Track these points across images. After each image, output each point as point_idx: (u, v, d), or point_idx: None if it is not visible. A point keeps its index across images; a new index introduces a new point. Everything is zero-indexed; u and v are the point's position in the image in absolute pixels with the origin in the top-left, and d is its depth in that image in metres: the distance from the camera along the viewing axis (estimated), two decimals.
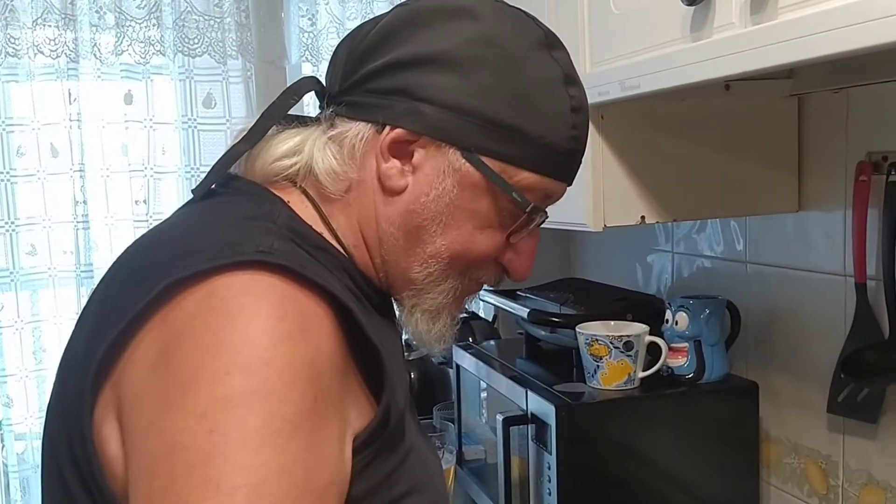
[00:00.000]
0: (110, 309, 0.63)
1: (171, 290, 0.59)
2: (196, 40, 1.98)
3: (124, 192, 1.96)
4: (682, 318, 1.29)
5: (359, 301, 0.70)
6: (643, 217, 1.16)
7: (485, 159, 0.71)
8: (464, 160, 0.71)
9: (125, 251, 0.71)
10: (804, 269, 1.25)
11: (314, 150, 0.73)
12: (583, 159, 0.78)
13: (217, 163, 0.74)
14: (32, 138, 1.91)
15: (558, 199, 0.78)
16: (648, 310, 1.38)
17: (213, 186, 0.75)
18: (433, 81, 0.70)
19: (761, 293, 1.35)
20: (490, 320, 1.98)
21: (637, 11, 1.00)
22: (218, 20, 1.99)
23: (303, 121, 0.76)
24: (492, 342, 1.81)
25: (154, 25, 1.95)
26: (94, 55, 1.92)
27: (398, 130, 0.71)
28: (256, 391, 0.56)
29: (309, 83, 0.77)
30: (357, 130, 0.72)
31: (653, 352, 1.31)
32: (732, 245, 1.41)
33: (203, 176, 0.76)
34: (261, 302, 0.59)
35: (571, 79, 0.75)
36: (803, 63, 0.75)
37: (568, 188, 0.79)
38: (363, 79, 0.73)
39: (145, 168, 1.96)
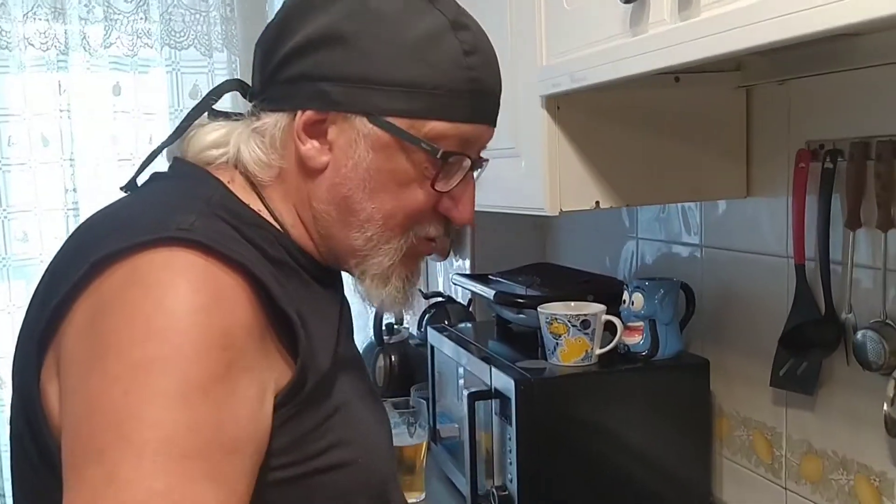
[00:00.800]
0: (56, 281, 0.70)
1: (102, 265, 0.66)
2: (182, 33, 2.05)
3: (113, 181, 2.03)
4: (638, 298, 1.36)
5: (289, 273, 0.76)
6: (597, 202, 1.23)
7: (390, 119, 0.76)
8: (371, 125, 0.76)
9: (73, 231, 0.78)
10: (752, 251, 1.32)
11: (239, 142, 0.79)
12: (494, 97, 0.81)
13: (144, 160, 0.83)
14: (24, 128, 1.98)
15: (485, 142, 0.82)
16: (609, 292, 1.45)
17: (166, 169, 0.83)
18: (326, 60, 0.76)
19: (715, 275, 1.42)
20: (465, 304, 2.05)
21: (585, 8, 1.06)
22: (204, 14, 2.06)
23: (228, 116, 0.83)
24: (468, 324, 1.88)
25: (141, 19, 2.02)
26: (84, 48, 1.99)
27: (308, 113, 0.77)
28: (168, 356, 0.62)
29: (231, 84, 0.86)
30: (275, 120, 0.78)
31: (611, 330, 1.38)
32: (690, 231, 1.48)
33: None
34: (177, 276, 0.65)
35: (459, 24, 0.78)
36: (723, 56, 0.81)
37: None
38: (273, 72, 0.79)
39: (133, 157, 2.03)
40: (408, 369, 2.07)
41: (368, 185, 0.78)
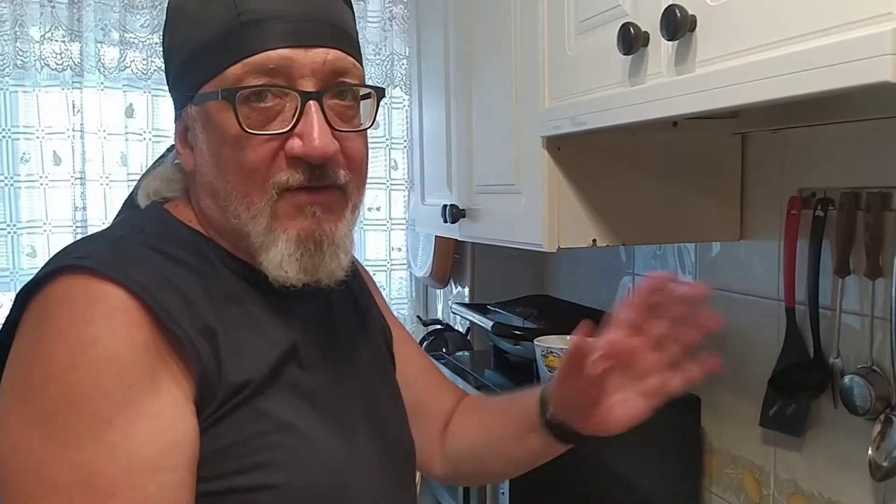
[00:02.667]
0: None
1: (24, 296, 0.72)
2: None
3: (122, 201, 2.05)
4: None
5: (225, 285, 0.79)
6: (594, 240, 1.26)
7: (202, 92, 0.77)
8: (194, 107, 0.79)
9: None
10: (744, 293, 1.36)
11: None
12: (275, 21, 0.75)
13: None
14: (36, 146, 2.02)
15: (301, 67, 0.76)
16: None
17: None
18: (167, 71, 0.83)
19: None
20: (464, 332, 2.08)
21: (587, 55, 1.10)
22: None
23: None
24: (465, 353, 1.91)
25: (156, 43, 2.06)
26: (98, 69, 2.03)
27: (177, 124, 0.83)
28: (70, 396, 0.66)
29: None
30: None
31: None
32: (685, 269, 1.52)
33: None
34: (74, 308, 0.69)
35: None
36: (715, 111, 0.85)
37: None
38: None
39: None
40: None
41: (213, 161, 0.78)
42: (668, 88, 0.90)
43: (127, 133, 2.07)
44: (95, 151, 2.05)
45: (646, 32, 0.94)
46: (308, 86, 0.76)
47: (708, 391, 1.43)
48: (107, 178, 2.06)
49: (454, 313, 2.00)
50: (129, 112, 2.08)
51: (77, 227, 2.04)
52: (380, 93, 0.84)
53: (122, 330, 0.69)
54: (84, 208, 2.04)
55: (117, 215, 0.92)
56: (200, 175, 0.80)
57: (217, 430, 0.73)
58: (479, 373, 1.62)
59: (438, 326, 2.07)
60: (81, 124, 2.04)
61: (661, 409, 1.41)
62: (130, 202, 0.90)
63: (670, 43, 0.89)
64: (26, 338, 0.70)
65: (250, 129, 0.75)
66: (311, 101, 0.76)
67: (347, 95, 0.79)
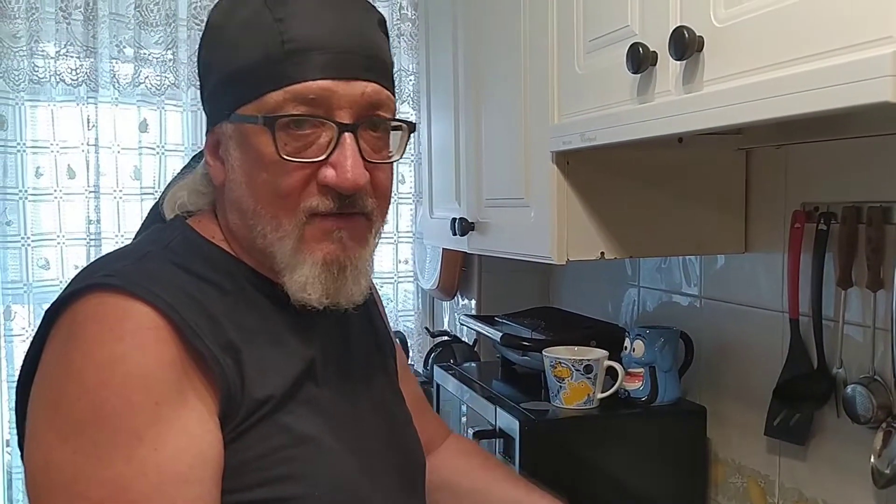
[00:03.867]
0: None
1: (53, 313, 0.74)
2: None
3: (135, 214, 2.09)
4: (639, 345, 1.42)
5: (247, 301, 0.80)
6: (602, 253, 1.29)
7: (239, 112, 0.79)
8: (229, 125, 0.80)
9: None
10: (749, 304, 1.38)
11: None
12: (315, 51, 0.77)
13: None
14: (51, 160, 2.05)
15: (341, 99, 0.78)
16: (610, 337, 1.51)
17: None
18: (203, 86, 0.85)
19: (713, 325, 1.48)
20: (471, 344, 2.11)
21: (597, 73, 1.14)
22: None
23: None
24: (473, 364, 1.93)
25: (170, 59, 2.10)
26: (113, 85, 2.07)
27: (207, 137, 0.85)
28: (101, 412, 0.69)
29: None
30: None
31: (612, 375, 1.43)
32: (690, 282, 1.55)
33: None
34: (103, 326, 0.71)
35: (273, 1, 0.79)
36: (721, 129, 0.88)
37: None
38: None
39: (156, 192, 2.09)
40: None
41: (245, 180, 0.80)
42: (675, 106, 0.93)
43: (140, 147, 2.11)
44: (109, 165, 2.09)
45: (654, 52, 0.97)
46: (345, 117, 0.78)
47: (714, 401, 1.46)
48: (120, 191, 2.10)
49: (462, 325, 2.03)
50: (143, 127, 2.11)
51: (91, 240, 2.07)
52: (411, 127, 0.86)
53: (150, 347, 0.71)
54: (98, 221, 2.08)
55: (142, 226, 0.94)
56: (230, 191, 0.83)
57: (240, 444, 0.75)
58: (486, 383, 1.65)
59: (446, 338, 2.10)
60: (96, 139, 2.07)
61: (667, 419, 1.45)
62: (156, 212, 0.92)
63: (678, 63, 0.92)
64: (55, 354, 0.73)
65: (287, 156, 0.77)
66: (347, 133, 0.78)
67: (380, 127, 0.82)
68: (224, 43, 0.81)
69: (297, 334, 0.83)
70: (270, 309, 0.83)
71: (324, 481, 0.79)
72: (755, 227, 1.36)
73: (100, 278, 0.74)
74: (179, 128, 2.12)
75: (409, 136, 0.86)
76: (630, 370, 1.43)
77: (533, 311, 1.81)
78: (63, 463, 0.68)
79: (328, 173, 0.78)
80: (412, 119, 2.28)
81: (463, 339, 2.16)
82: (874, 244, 1.11)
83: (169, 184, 0.94)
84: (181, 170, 0.95)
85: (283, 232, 0.79)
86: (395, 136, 0.85)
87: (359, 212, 0.81)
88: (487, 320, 1.77)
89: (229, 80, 0.80)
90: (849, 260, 1.15)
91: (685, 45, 0.88)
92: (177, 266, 0.79)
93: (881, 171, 1.13)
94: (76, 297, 0.73)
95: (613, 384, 1.42)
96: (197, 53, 0.87)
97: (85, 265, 0.82)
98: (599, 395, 1.42)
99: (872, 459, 1.10)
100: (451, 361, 1.97)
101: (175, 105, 2.13)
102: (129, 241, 2.11)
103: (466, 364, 1.91)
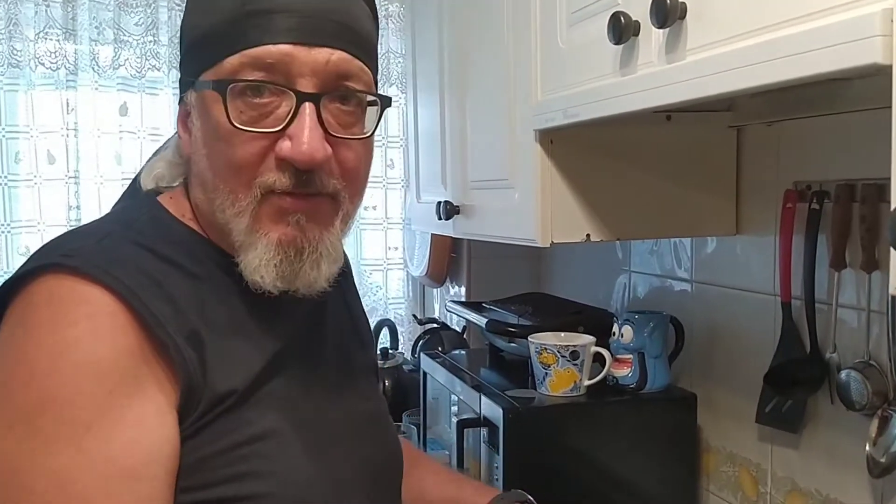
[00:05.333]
0: None
1: (7, 291, 0.70)
2: None
3: (116, 199, 2.05)
4: (628, 331, 1.38)
5: (217, 287, 0.76)
6: (588, 235, 1.25)
7: (201, 79, 0.75)
8: (193, 93, 0.77)
9: None
10: (740, 288, 1.34)
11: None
12: (276, 12, 0.73)
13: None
14: (31, 145, 2.01)
15: (302, 65, 0.73)
16: (599, 323, 1.47)
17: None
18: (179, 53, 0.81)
19: (704, 310, 1.43)
20: (459, 331, 2.07)
21: (579, 47, 1.09)
22: None
23: None
24: (461, 352, 1.89)
25: (151, 42, 2.05)
26: (93, 68, 2.03)
27: (179, 107, 0.81)
28: (49, 399, 0.64)
29: None
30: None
31: (600, 362, 1.39)
32: (681, 265, 1.50)
33: None
34: (58, 310, 0.67)
35: None
36: (706, 99, 0.84)
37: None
38: None
39: None
40: (401, 394, 2.08)
41: (205, 152, 0.76)
42: (659, 77, 0.88)
43: (121, 132, 2.07)
44: (90, 150, 2.05)
45: (636, 21, 0.93)
46: (307, 86, 0.73)
47: (704, 388, 1.42)
48: (101, 177, 2.06)
49: (449, 311, 1.99)
50: (124, 111, 2.07)
51: (71, 226, 2.03)
52: (385, 101, 0.80)
53: (106, 333, 0.67)
54: (78, 207, 2.04)
55: (117, 202, 0.89)
56: (194, 164, 0.79)
57: (198, 440, 0.71)
58: (475, 371, 1.61)
59: (434, 325, 2.06)
60: (76, 123, 2.03)
61: (657, 406, 1.41)
62: (134, 185, 0.87)
63: (661, 31, 0.87)
64: (7, 338, 0.69)
65: (241, 124, 0.72)
66: (307, 103, 0.72)
67: (351, 100, 0.76)
68: (195, 9, 0.78)
69: (265, 322, 0.79)
70: (238, 294, 0.77)
71: (289, 478, 0.75)
72: (746, 207, 1.32)
73: (57, 258, 0.69)
74: (161, 111, 2.08)
75: (381, 112, 0.80)
76: (618, 356, 1.39)
77: (522, 297, 1.76)
78: (7, 452, 0.64)
79: (284, 145, 0.72)
80: (395, 99, 2.23)
81: (452, 326, 2.12)
82: (868, 223, 1.06)
83: (149, 157, 0.90)
84: (166, 141, 0.91)
85: (238, 208, 0.74)
86: (371, 113, 0.80)
87: (320, 192, 0.75)
88: (475, 307, 1.73)
89: (194, 45, 0.77)
90: (842, 240, 1.11)
91: (667, 11, 0.84)
92: (141, 247, 0.74)
93: (875, 147, 1.07)
94: (31, 278, 0.69)
95: (601, 371, 1.38)
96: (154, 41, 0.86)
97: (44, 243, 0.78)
98: (586, 383, 1.37)
99: (868, 447, 1.06)
100: (440, 349, 1.93)
101: (156, 88, 2.08)
102: None
103: (455, 352, 1.87)
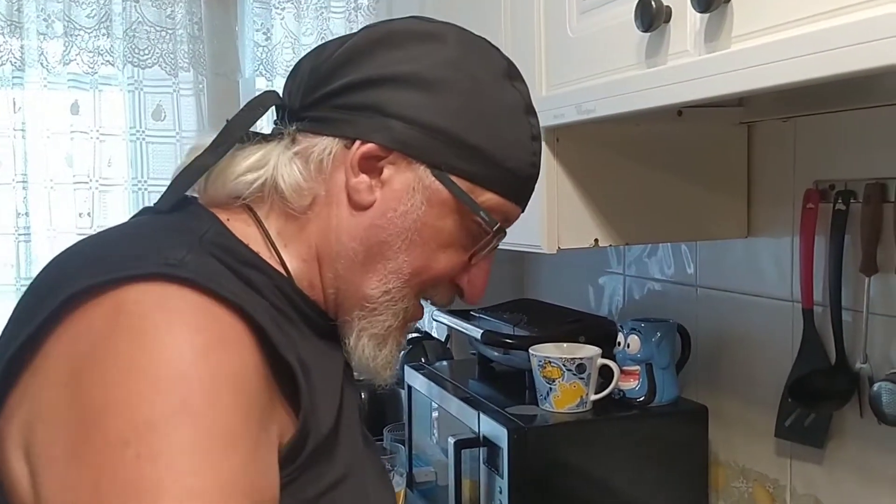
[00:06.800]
0: (26, 315, 0.61)
1: (76, 301, 0.57)
2: (147, 51, 1.94)
3: (68, 205, 1.90)
4: (634, 341, 1.30)
5: (288, 320, 0.68)
6: (596, 240, 1.17)
7: (453, 178, 0.72)
8: (433, 178, 0.71)
9: (54, 258, 0.68)
10: (752, 293, 1.27)
11: (279, 164, 0.71)
12: (536, 183, 0.80)
13: (179, 176, 0.72)
14: None
15: (512, 224, 0.79)
16: (601, 332, 1.39)
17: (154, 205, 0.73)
18: (403, 99, 0.71)
19: (711, 317, 1.36)
20: (443, 340, 1.97)
21: (593, 36, 1.00)
22: (170, 31, 1.95)
23: (263, 136, 0.74)
24: (444, 363, 1.80)
25: (104, 35, 1.91)
26: (41, 64, 1.88)
27: (370, 145, 0.70)
28: (179, 410, 0.53)
29: (272, 97, 0.76)
30: (324, 145, 0.71)
31: (605, 374, 1.31)
32: (683, 269, 1.43)
33: (152, 189, 0.75)
34: (173, 316, 0.56)
35: (531, 109, 0.77)
36: (756, 92, 0.76)
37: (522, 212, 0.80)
38: (330, 95, 0.72)
39: (91, 180, 1.91)
40: (379, 408, 1.97)
41: (410, 236, 0.72)
42: (696, 68, 0.80)
43: (73, 132, 1.91)
44: (39, 152, 1.89)
45: (668, 6, 0.84)
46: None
47: (715, 400, 1.34)
48: (51, 180, 1.90)
49: (435, 320, 1.89)
50: (75, 110, 1.92)
51: (20, 234, 1.88)
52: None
53: (238, 345, 0.58)
54: (27, 214, 1.88)
55: (160, 200, 0.72)
56: (369, 219, 0.71)
57: (300, 484, 0.63)
58: (462, 383, 1.51)
59: (417, 335, 1.95)
60: (23, 123, 1.87)
61: (667, 420, 1.33)
62: (175, 191, 0.72)
63: (700, 16, 0.79)
64: (98, 348, 0.55)
65: (472, 257, 0.75)
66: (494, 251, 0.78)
67: None
68: (471, 102, 0.72)
69: (332, 364, 0.75)
70: (308, 332, 0.72)
71: None
72: (759, 208, 1.25)
73: (162, 268, 0.58)
74: (115, 110, 1.93)
75: None
76: (625, 368, 1.31)
77: (511, 304, 1.67)
78: (122, 472, 0.51)
79: (467, 280, 0.77)
80: None
81: (434, 335, 2.02)
82: None
83: (224, 142, 0.72)
84: (221, 144, 0.73)
85: (401, 306, 0.74)
86: None
87: None
88: (463, 315, 1.63)
89: (461, 142, 0.72)
90: (873, 243, 1.04)
91: None
92: (222, 264, 0.64)
93: None
94: (117, 286, 0.57)
95: (607, 384, 1.29)
96: (393, 48, 0.72)
97: (86, 254, 0.65)
98: (593, 397, 1.29)
99: None
100: (423, 360, 1.83)
101: (110, 85, 1.93)
102: (62, 235, 1.84)
103: (438, 363, 1.77)
